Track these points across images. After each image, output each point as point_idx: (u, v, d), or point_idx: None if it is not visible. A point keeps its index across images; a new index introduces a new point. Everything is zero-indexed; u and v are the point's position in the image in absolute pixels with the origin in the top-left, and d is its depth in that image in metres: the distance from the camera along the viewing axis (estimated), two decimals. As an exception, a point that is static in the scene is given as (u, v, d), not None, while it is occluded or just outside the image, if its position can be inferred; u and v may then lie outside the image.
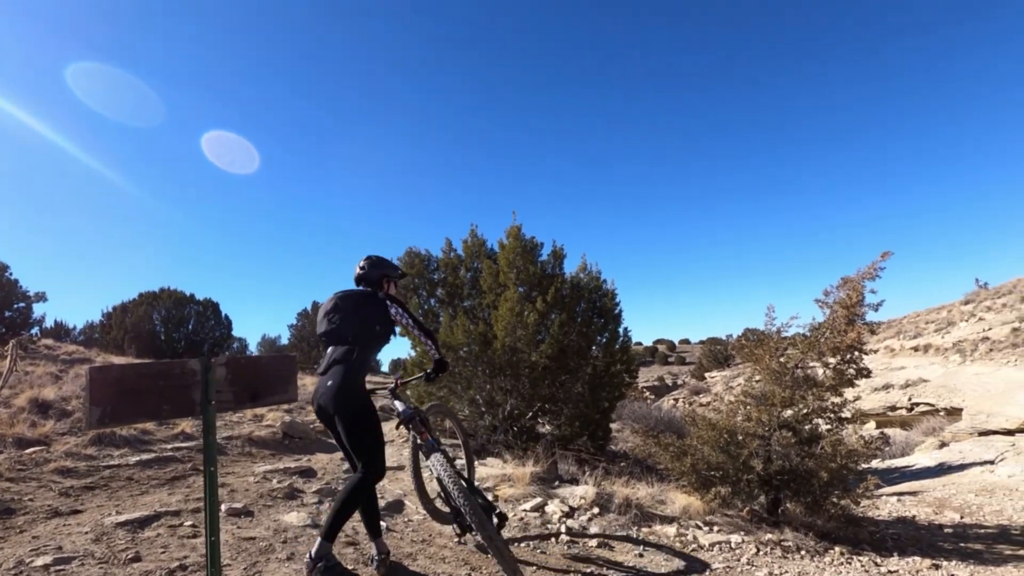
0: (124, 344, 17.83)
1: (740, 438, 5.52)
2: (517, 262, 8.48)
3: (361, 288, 3.44)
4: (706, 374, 42.51)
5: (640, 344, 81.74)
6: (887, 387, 15.06)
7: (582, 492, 5.24)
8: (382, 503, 4.47)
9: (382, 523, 3.78)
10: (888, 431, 13.48)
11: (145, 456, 5.73)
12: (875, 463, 10.35)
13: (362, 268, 3.47)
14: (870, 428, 14.67)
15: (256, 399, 2.01)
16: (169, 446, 6.28)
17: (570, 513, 4.80)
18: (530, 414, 8.49)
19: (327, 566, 2.59)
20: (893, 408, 14.20)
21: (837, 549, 4.69)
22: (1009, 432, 9.36)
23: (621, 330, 9.37)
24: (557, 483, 5.84)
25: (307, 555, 2.69)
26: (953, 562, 4.53)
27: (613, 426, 10.59)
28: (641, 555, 4.06)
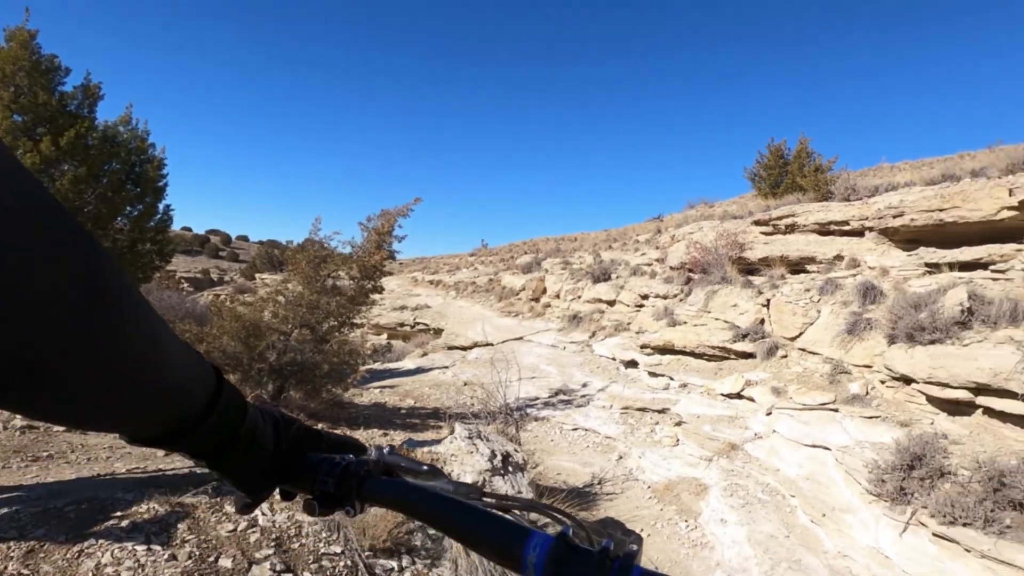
0: None
1: (263, 332, 5.87)
2: (19, 79, 6.25)
3: None
4: (257, 275, 41.57)
5: (189, 230, 72.39)
6: (403, 308, 18.55)
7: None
8: None
9: None
10: (395, 342, 16.66)
11: None
12: (377, 365, 12.71)
13: None
14: (383, 339, 17.79)
15: None
16: None
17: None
18: None
19: None
20: (402, 325, 17.64)
21: (321, 425, 5.71)
22: (464, 348, 13.12)
23: (162, 206, 8.20)
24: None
25: None
26: (397, 431, 6.23)
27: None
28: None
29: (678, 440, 6.04)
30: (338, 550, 2.40)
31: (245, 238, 77.97)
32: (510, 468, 3.44)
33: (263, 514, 2.52)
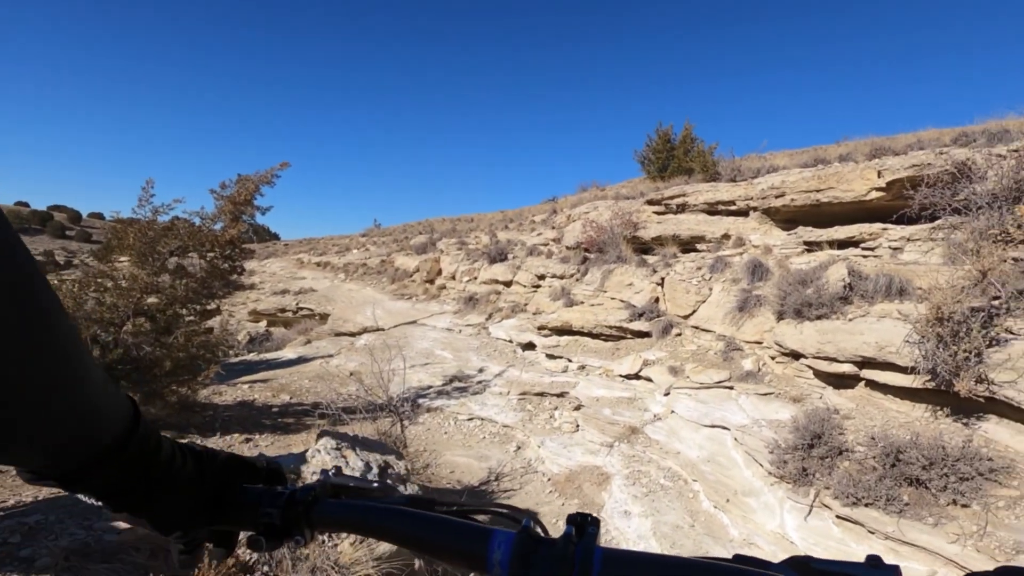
0: None
1: (80, 324, 4.70)
2: None
3: None
4: (114, 257, 36.52)
5: (26, 205, 62.82)
6: (284, 292, 16.94)
7: None
8: None
9: None
10: (274, 329, 15.15)
11: None
12: (253, 356, 11.36)
13: None
14: (262, 326, 16.14)
15: None
16: None
17: None
18: None
19: None
20: (283, 310, 16.10)
21: (166, 435, 4.70)
22: (353, 334, 12.13)
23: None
24: None
25: None
26: (265, 434, 5.34)
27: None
28: None
29: (578, 425, 5.77)
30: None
31: (99, 215, 68.58)
32: (389, 482, 2.84)
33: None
